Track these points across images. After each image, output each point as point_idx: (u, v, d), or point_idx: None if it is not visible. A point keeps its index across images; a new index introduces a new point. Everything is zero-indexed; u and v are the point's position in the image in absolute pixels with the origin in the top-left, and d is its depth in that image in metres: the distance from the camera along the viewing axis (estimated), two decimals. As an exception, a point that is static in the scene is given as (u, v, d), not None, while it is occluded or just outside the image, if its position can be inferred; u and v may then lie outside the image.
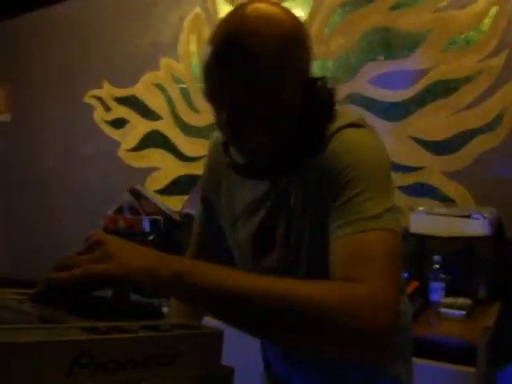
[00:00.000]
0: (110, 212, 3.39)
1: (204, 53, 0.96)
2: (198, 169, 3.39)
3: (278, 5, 0.98)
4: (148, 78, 3.67)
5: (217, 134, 1.26)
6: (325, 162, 0.98)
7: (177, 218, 3.24)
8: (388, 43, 2.75)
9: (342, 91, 2.82)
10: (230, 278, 0.77)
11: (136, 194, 3.32)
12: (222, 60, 0.93)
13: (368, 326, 0.76)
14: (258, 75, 0.93)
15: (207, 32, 3.37)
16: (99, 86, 3.93)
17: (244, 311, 0.77)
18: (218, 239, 1.29)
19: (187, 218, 3.08)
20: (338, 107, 1.05)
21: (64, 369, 0.53)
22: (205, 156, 1.31)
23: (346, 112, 1.06)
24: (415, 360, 1.32)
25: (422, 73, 2.66)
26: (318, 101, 1.01)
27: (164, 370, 0.61)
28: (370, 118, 2.78)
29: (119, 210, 3.37)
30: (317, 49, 2.92)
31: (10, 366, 0.49)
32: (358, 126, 1.01)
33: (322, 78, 1.03)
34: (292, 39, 0.96)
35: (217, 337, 0.69)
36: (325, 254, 0.94)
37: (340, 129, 1.00)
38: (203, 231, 1.33)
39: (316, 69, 2.93)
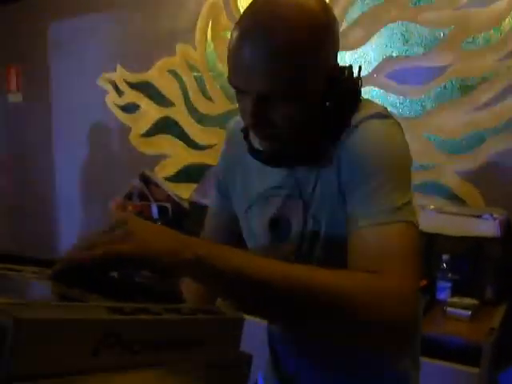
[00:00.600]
0: (119, 197, 3.40)
1: (231, 35, 0.95)
2: (208, 157, 3.40)
3: None
4: (163, 63, 3.66)
5: (234, 122, 1.26)
6: (348, 152, 0.98)
7: (186, 205, 3.24)
8: (406, 39, 2.74)
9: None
10: (251, 262, 0.77)
11: (146, 180, 3.32)
12: (250, 46, 0.91)
13: (392, 318, 0.77)
14: (286, 63, 0.91)
15: (224, 20, 3.36)
16: (113, 70, 3.92)
17: (264, 297, 0.77)
18: (232, 230, 1.28)
19: (196, 206, 3.08)
20: (362, 98, 1.04)
21: (91, 347, 0.52)
22: (215, 145, 1.31)
23: (371, 102, 1.05)
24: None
25: (440, 70, 2.65)
26: (344, 90, 1.00)
27: (186, 353, 0.61)
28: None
29: (128, 196, 3.37)
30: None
31: (37, 342, 0.49)
32: (383, 117, 1.00)
33: (348, 67, 1.02)
34: (322, 28, 0.94)
35: (238, 323, 0.69)
36: (341, 244, 0.95)
37: (365, 119, 0.99)
38: (216, 222, 1.32)
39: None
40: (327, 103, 0.99)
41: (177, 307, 0.66)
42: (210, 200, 1.36)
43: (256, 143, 1.08)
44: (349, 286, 0.78)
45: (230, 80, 0.98)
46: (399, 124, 1.02)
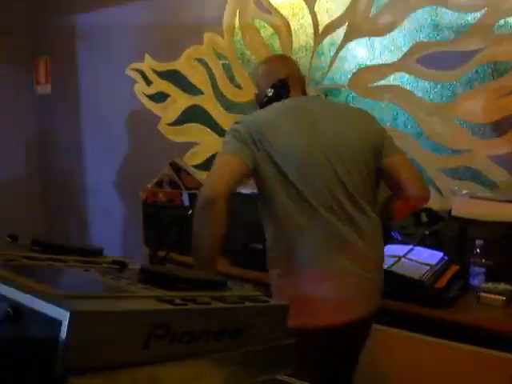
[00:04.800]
0: (149, 185, 3.42)
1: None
2: (237, 145, 3.37)
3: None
4: (190, 52, 3.66)
5: None
6: None
7: (216, 193, 3.24)
8: (436, 23, 2.69)
9: (389, 71, 2.81)
10: None
11: (177, 168, 3.34)
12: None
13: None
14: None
15: (252, 7, 3.34)
16: (141, 59, 3.93)
17: None
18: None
19: (226, 193, 3.08)
20: None
21: (142, 339, 0.53)
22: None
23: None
24: (452, 343, 1.31)
25: (471, 54, 2.60)
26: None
27: (234, 341, 0.62)
28: (416, 99, 2.75)
29: (159, 184, 3.39)
30: (363, 27, 2.87)
31: (90, 335, 0.50)
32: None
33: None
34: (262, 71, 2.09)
35: (283, 309, 0.69)
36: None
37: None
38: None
39: (363, 47, 2.86)
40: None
41: (223, 295, 0.67)
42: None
43: None
44: None
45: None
46: None
